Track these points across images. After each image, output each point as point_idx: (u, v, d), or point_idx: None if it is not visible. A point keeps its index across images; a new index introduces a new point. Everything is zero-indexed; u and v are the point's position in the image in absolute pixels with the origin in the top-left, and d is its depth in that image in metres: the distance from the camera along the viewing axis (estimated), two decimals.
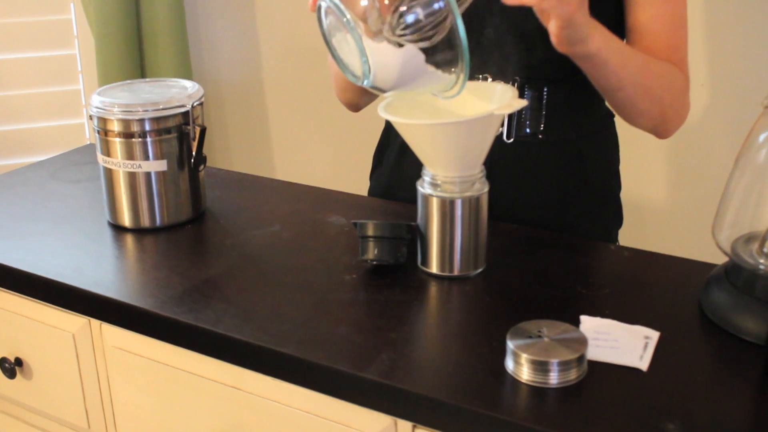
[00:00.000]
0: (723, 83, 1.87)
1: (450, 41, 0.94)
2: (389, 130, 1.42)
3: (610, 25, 1.12)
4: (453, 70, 0.96)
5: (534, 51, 1.19)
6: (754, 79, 1.84)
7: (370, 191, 1.45)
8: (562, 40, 1.03)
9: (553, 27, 1.02)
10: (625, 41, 1.23)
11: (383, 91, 1.00)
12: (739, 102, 1.86)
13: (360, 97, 1.35)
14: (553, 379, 0.84)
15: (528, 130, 1.25)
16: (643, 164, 1.96)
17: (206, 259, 1.16)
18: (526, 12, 1.06)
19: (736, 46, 1.85)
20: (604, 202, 1.33)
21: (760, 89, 1.75)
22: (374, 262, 1.07)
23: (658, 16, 1.18)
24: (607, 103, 1.26)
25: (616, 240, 1.37)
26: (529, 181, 1.27)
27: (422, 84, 0.98)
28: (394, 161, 1.37)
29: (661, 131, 1.23)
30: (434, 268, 1.07)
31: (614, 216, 1.36)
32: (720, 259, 1.01)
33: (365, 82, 0.96)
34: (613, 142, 1.35)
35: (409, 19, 0.95)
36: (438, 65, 0.97)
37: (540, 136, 1.25)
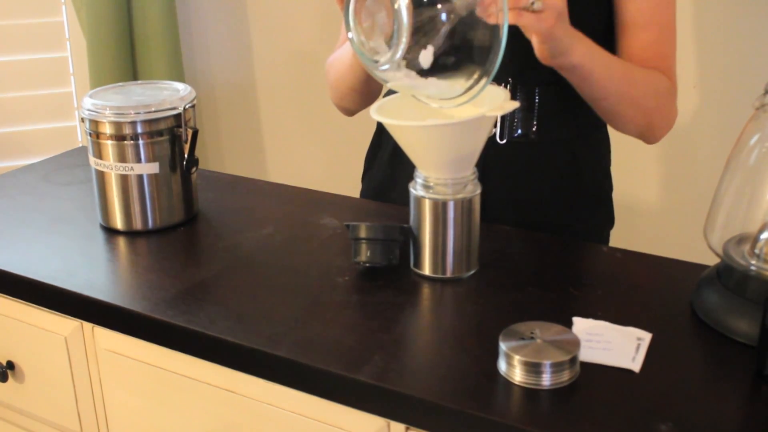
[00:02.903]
0: (714, 85, 1.88)
1: (475, 50, 0.95)
2: (381, 132, 1.42)
3: (599, 33, 1.13)
4: (473, 78, 0.96)
5: (525, 53, 1.20)
6: (745, 80, 1.84)
7: (362, 193, 1.46)
8: (543, 53, 1.07)
9: (534, 41, 1.05)
10: (617, 42, 1.23)
11: (386, 82, 1.00)
12: (731, 103, 1.87)
13: (357, 104, 1.36)
14: (546, 380, 0.84)
15: (520, 131, 1.25)
16: (635, 166, 1.97)
17: (199, 261, 1.16)
18: None
19: (727, 48, 1.85)
20: (597, 203, 1.34)
21: (751, 91, 1.75)
22: (367, 264, 1.07)
23: (647, 25, 1.20)
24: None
25: (608, 240, 1.38)
26: (521, 182, 1.27)
27: (431, 86, 0.99)
28: (387, 163, 1.37)
29: (648, 137, 1.24)
30: (427, 270, 1.07)
31: (606, 216, 1.37)
32: (712, 261, 1.01)
33: (386, 66, 0.96)
34: (605, 143, 1.36)
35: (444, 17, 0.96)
36: (453, 68, 0.98)
37: (532, 137, 1.26)
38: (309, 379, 0.91)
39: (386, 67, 0.96)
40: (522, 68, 1.22)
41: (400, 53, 0.94)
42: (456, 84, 0.99)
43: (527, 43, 1.15)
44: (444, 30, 0.96)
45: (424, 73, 0.98)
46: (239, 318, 0.99)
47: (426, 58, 0.96)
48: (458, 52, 0.97)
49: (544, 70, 1.17)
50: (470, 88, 0.98)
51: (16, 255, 1.17)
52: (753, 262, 0.92)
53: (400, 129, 1.04)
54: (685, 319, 0.97)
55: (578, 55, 1.08)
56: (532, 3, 0.99)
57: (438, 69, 0.97)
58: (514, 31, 1.19)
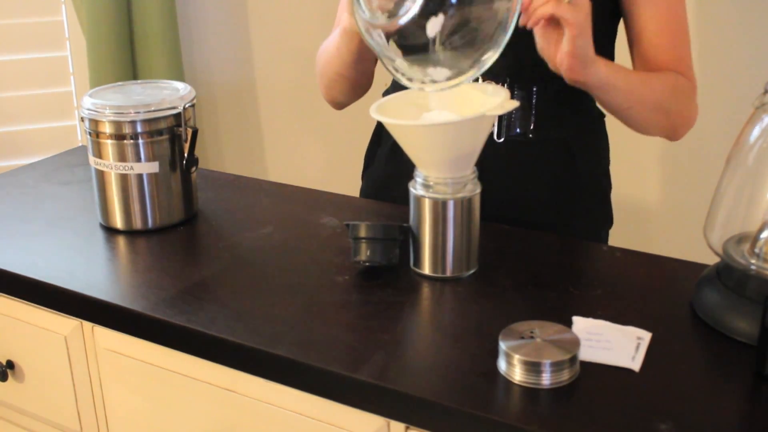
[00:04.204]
0: (714, 84, 1.88)
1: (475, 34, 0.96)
2: (381, 129, 1.42)
3: (606, 37, 1.13)
4: (466, 64, 0.97)
5: (523, 51, 1.20)
6: (745, 79, 1.84)
7: (362, 191, 1.46)
8: (575, 56, 1.05)
9: (566, 42, 1.04)
10: (632, 51, 1.25)
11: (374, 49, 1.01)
12: (731, 102, 1.87)
13: (345, 94, 1.36)
14: (546, 379, 0.84)
15: (518, 130, 1.26)
16: (635, 165, 1.97)
17: (199, 260, 1.16)
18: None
19: (727, 48, 1.85)
20: (595, 202, 1.34)
21: (751, 89, 1.75)
22: (367, 264, 1.07)
23: (661, 30, 1.21)
24: (605, 111, 1.27)
25: (607, 240, 1.38)
26: (519, 181, 1.27)
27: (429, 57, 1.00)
28: (386, 160, 1.37)
29: (671, 136, 1.26)
30: (427, 269, 1.07)
31: (605, 216, 1.36)
32: (711, 260, 1.01)
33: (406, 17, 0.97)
34: (604, 142, 1.36)
35: None
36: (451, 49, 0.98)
37: (530, 136, 1.26)
38: (309, 379, 0.91)
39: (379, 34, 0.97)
40: (520, 66, 1.22)
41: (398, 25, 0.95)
42: (445, 68, 0.99)
43: (525, 41, 1.15)
44: (451, 12, 0.97)
45: (415, 50, 0.98)
46: (239, 317, 0.99)
47: (433, 26, 0.96)
48: (460, 34, 0.98)
49: (542, 69, 1.17)
50: (460, 74, 0.99)
51: (16, 254, 1.17)
52: (753, 261, 0.92)
53: (400, 128, 1.04)
54: (685, 318, 0.97)
55: (603, 67, 1.10)
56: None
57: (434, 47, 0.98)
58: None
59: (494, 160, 1.25)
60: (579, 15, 1.03)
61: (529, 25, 1.04)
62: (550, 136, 1.26)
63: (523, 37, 1.17)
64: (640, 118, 1.20)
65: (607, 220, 1.37)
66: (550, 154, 1.27)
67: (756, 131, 0.94)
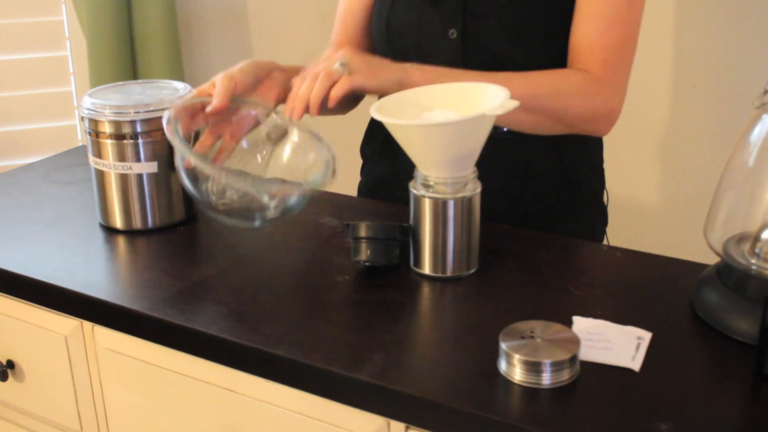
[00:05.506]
0: (714, 85, 1.88)
1: None
2: (372, 125, 1.42)
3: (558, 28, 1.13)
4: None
5: (514, 51, 1.20)
6: (746, 79, 1.84)
7: (360, 186, 1.45)
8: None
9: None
10: None
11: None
12: (730, 103, 1.87)
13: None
14: (546, 379, 0.84)
15: (504, 129, 1.25)
16: (635, 164, 1.97)
17: (199, 260, 1.16)
18: (512, 14, 1.06)
19: (727, 48, 1.85)
20: (587, 200, 1.34)
21: (751, 90, 1.76)
22: (367, 263, 1.07)
23: (594, 15, 1.18)
24: None
25: (602, 239, 1.38)
26: (511, 180, 1.27)
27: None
28: (379, 156, 1.38)
29: (585, 132, 1.24)
30: (427, 269, 1.07)
31: (598, 214, 1.36)
32: (712, 260, 1.01)
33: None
34: (595, 141, 1.35)
35: None
36: None
37: (516, 133, 1.25)
38: (309, 379, 0.91)
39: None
40: (505, 66, 1.22)
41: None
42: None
43: (515, 42, 1.15)
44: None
45: None
46: (239, 317, 0.99)
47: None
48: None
49: (532, 69, 1.17)
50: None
51: (16, 254, 1.17)
52: (753, 261, 0.92)
53: (400, 128, 1.04)
54: (685, 318, 0.97)
55: (416, 74, 1.12)
56: (340, 64, 1.10)
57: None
58: (507, 30, 1.19)
59: (482, 159, 1.25)
60: (356, 79, 1.09)
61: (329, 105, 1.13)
62: (540, 134, 1.26)
63: (514, 39, 1.17)
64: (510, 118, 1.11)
65: (600, 218, 1.37)
66: (539, 152, 1.27)
67: (756, 131, 0.94)
